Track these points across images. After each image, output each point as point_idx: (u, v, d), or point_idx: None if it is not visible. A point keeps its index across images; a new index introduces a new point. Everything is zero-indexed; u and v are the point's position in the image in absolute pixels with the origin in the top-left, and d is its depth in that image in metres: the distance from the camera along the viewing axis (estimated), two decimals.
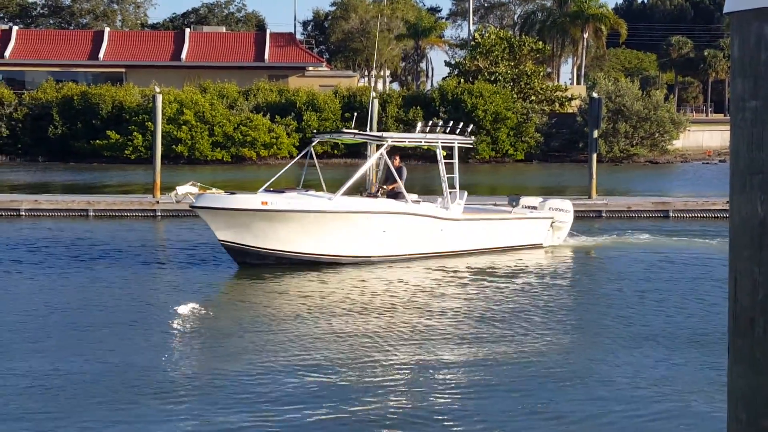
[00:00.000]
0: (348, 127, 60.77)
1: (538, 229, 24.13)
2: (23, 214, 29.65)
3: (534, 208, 24.20)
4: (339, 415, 10.55)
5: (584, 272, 21.50)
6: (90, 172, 50.85)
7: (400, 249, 21.19)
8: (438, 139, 22.91)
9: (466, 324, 15.30)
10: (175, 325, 15.32)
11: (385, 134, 22.46)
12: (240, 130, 58.15)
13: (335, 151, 59.77)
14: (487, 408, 10.96)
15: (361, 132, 24.18)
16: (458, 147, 23.30)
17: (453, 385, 11.93)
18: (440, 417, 10.59)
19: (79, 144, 58.71)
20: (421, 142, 23.14)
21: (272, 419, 10.48)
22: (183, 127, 57.51)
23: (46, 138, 59.44)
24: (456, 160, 22.71)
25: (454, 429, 10.22)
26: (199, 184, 19.99)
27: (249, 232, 19.69)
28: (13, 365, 12.59)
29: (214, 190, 20.17)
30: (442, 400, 11.26)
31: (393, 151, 22.40)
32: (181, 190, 19.55)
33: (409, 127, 60.17)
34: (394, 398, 11.31)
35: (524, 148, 61.81)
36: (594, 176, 32.83)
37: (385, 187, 21.69)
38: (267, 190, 20.74)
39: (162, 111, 37.69)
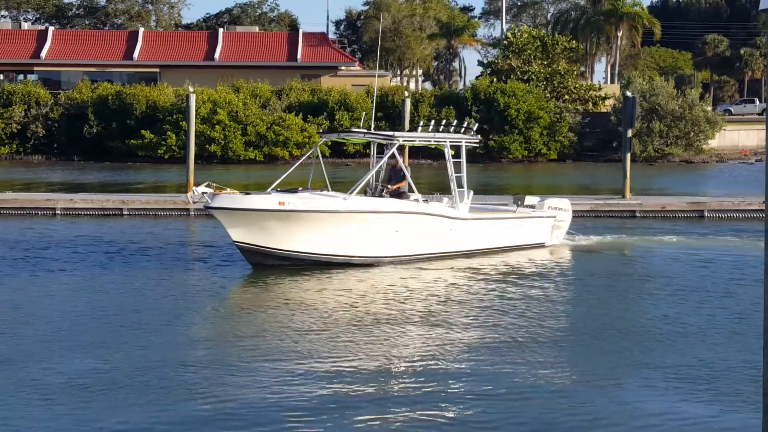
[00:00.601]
0: (380, 127, 60.64)
1: (542, 229, 24.10)
2: (59, 213, 29.92)
3: (533, 207, 24.09)
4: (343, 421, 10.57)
5: (611, 273, 21.32)
6: (124, 172, 51.20)
7: (411, 249, 21.03)
8: (446, 139, 22.78)
9: (506, 330, 15.26)
10: (206, 325, 15.40)
11: (396, 133, 22.29)
12: (273, 130, 58.30)
13: (367, 151, 59.80)
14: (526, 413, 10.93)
15: (371, 131, 24.10)
16: (465, 146, 23.21)
17: (503, 393, 11.91)
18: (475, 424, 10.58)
19: (113, 143, 59.12)
20: (430, 141, 23.04)
21: (307, 420, 10.52)
22: (216, 126, 57.76)
23: (81, 137, 59.90)
24: (464, 159, 22.65)
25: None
26: (214, 184, 19.73)
27: (265, 233, 19.44)
28: (51, 363, 12.73)
29: (228, 190, 19.94)
30: (479, 408, 11.25)
31: (398, 151, 22.17)
32: (198, 190, 19.28)
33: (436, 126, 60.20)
34: (427, 405, 11.31)
35: (557, 147, 61.53)
36: (628, 176, 32.63)
37: (389, 186, 21.43)
38: (277, 190, 20.49)
39: (195, 110, 37.90)
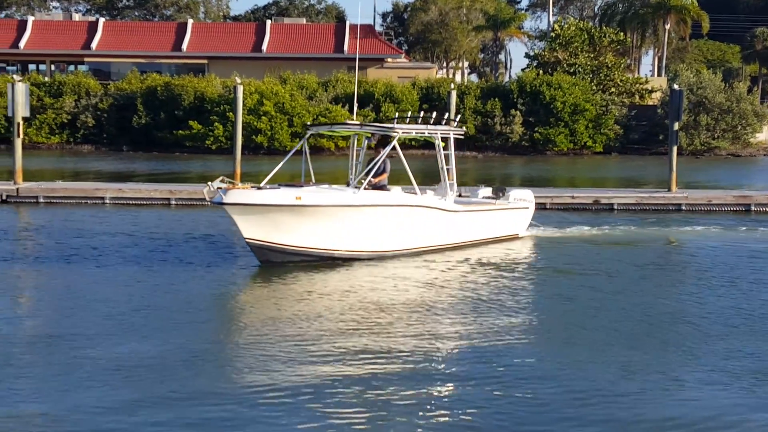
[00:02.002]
0: (426, 119, 60.68)
1: (517, 220, 24.15)
2: (108, 202, 30.42)
3: (495, 198, 23.99)
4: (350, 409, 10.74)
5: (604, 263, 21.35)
6: (172, 162, 51.76)
7: (411, 242, 20.87)
8: (437, 131, 22.61)
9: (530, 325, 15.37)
10: (244, 318, 15.64)
11: (396, 126, 21.71)
12: (319, 121, 58.65)
13: (413, 143, 59.97)
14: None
15: (367, 123, 23.86)
16: (453, 137, 23.01)
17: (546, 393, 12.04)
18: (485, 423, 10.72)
19: (161, 134, 59.77)
20: (425, 132, 22.45)
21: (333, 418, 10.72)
22: (263, 117, 58.19)
23: (130, 128, 60.60)
24: (452, 151, 22.57)
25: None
26: (227, 179, 18.97)
27: (277, 229, 18.91)
28: (99, 352, 13.06)
29: (240, 185, 19.01)
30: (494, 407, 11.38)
31: (380, 144, 21.75)
32: (214, 185, 18.46)
33: (486, 119, 60.15)
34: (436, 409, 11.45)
35: (603, 140, 61.27)
36: (674, 169, 32.52)
37: (372, 179, 20.75)
38: (279, 185, 19.67)
39: (243, 102, 38.26)
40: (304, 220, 18.99)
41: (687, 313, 15.64)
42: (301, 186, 19.84)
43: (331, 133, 24.68)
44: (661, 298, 16.91)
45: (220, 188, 18.29)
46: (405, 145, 46.95)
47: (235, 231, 19.98)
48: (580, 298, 16.84)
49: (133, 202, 30.52)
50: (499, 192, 24.23)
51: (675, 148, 32.97)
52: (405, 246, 20.75)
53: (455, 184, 22.62)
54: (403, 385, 11.45)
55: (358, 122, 23.66)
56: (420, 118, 24.38)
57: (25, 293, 17.37)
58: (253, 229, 18.74)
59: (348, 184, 21.37)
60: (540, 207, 30.25)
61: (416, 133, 22.41)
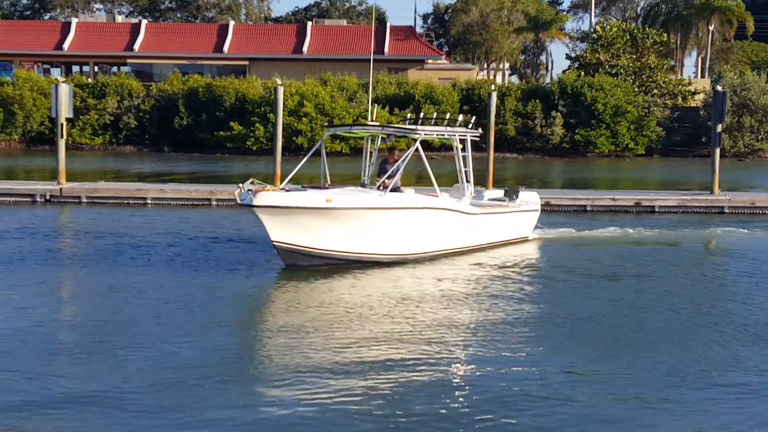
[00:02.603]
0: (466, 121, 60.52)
1: (528, 222, 23.96)
2: (149, 202, 30.65)
3: (502, 200, 23.66)
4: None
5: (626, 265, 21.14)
6: (213, 163, 52.06)
7: (432, 246, 20.62)
8: (456, 132, 22.46)
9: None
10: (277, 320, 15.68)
11: (417, 127, 21.52)
12: (359, 122, 58.66)
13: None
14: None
15: (389, 125, 23.55)
16: (470, 139, 22.83)
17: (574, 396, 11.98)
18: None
19: (203, 135, 60.11)
20: (444, 135, 22.26)
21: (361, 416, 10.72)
22: (303, 119, 58.35)
23: (172, 129, 60.98)
24: (469, 153, 22.41)
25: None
26: (257, 181, 18.63)
27: (306, 232, 18.58)
28: (139, 352, 13.18)
29: (269, 187, 18.69)
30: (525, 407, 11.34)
31: (392, 147, 21.78)
32: (245, 187, 18.12)
33: (527, 120, 59.87)
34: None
35: (645, 142, 60.79)
36: (716, 171, 32.23)
37: (386, 181, 20.53)
38: (303, 187, 19.58)
39: (283, 103, 38.40)
40: (333, 222, 18.68)
41: (734, 315, 15.48)
42: (327, 188, 19.57)
43: (349, 135, 23.81)
44: (705, 301, 16.74)
45: (250, 190, 18.00)
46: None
47: (262, 233, 19.79)
48: (624, 301, 16.71)
49: (174, 202, 30.73)
50: (512, 195, 23.87)
51: (718, 150, 32.66)
52: (427, 249, 20.53)
53: (472, 187, 22.41)
54: (423, 394, 11.43)
55: (378, 123, 23.28)
56: (433, 120, 24.22)
57: (67, 292, 17.54)
58: (281, 232, 18.40)
59: (363, 185, 21.06)
60: (580, 209, 30.16)
61: (437, 135, 22.26)
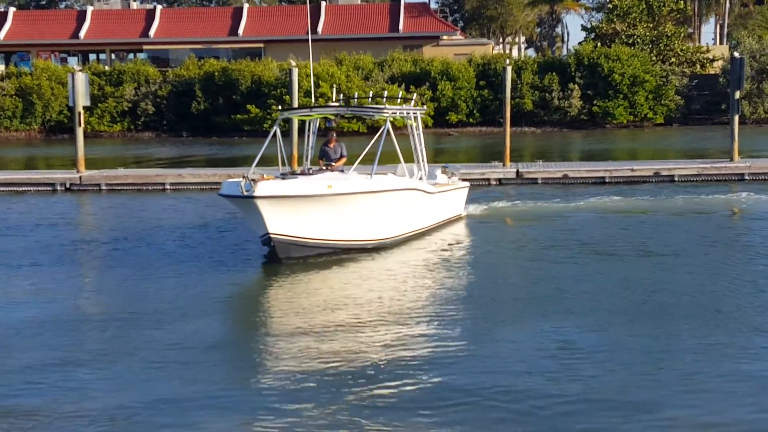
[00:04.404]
0: (483, 96, 60.02)
1: (461, 200, 23.48)
2: (168, 188, 30.77)
3: (449, 178, 22.99)
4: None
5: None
6: (231, 146, 52.15)
7: (405, 228, 20.04)
8: (418, 111, 22.00)
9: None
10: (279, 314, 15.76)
11: (386, 107, 20.82)
12: (375, 101, 58.54)
13: (470, 120, 59.73)
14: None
15: (355, 106, 22.41)
16: (420, 117, 22.41)
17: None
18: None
19: (220, 119, 60.20)
20: (404, 113, 21.42)
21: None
22: (319, 99, 58.29)
23: (189, 114, 61.12)
24: (421, 131, 21.73)
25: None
26: (261, 172, 17.84)
27: (304, 222, 17.53)
28: (154, 333, 13.29)
29: (265, 175, 17.53)
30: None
31: (329, 129, 21.12)
32: (249, 176, 17.04)
33: (544, 93, 59.62)
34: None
35: (664, 111, 60.38)
36: (736, 138, 32.01)
37: (333, 164, 20.09)
38: (282, 175, 18.48)
39: (299, 84, 38.42)
40: (330, 210, 17.80)
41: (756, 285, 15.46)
42: (310, 173, 18.90)
43: (304, 118, 21.73)
44: (724, 272, 16.73)
45: (253, 180, 16.83)
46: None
47: (248, 227, 19.00)
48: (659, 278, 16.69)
49: (193, 187, 30.83)
50: (452, 172, 23.33)
51: (737, 117, 32.43)
52: (400, 232, 19.84)
53: (426, 165, 21.82)
54: (414, 376, 11.49)
55: (343, 106, 22.36)
56: (370, 98, 23.38)
57: (89, 278, 17.67)
58: (281, 224, 17.24)
59: (310, 171, 19.35)
60: (599, 181, 30.06)
61: (399, 114, 21.35)
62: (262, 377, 11.24)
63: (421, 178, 21.15)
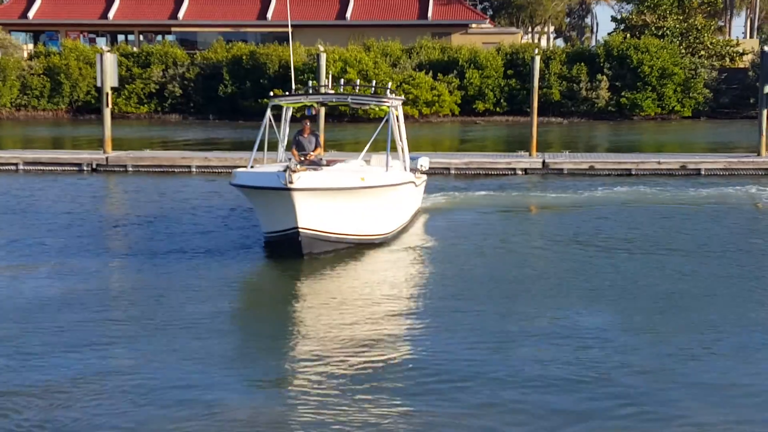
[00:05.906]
0: (510, 85, 59.65)
1: (421, 192, 23.00)
2: (194, 170, 30.89)
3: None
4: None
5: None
6: (257, 130, 51.95)
7: (401, 221, 19.74)
8: (401, 100, 21.69)
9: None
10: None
11: (388, 96, 20.55)
12: (402, 88, 58.49)
13: (497, 109, 59.53)
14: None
15: (357, 95, 21.96)
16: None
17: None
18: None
19: (247, 103, 60.27)
20: (392, 102, 20.68)
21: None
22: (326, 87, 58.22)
23: (216, 97, 61.23)
24: (402, 121, 21.28)
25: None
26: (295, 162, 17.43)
27: (332, 216, 16.77)
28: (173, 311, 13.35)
29: (299, 167, 16.57)
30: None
31: (308, 118, 20.93)
32: (292, 166, 16.14)
33: (572, 84, 59.33)
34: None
35: (692, 104, 59.99)
36: (764, 132, 31.80)
37: (312, 154, 19.88)
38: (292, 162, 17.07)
39: (326, 70, 38.42)
40: (356, 204, 17.19)
41: None
42: (328, 164, 18.66)
43: (296, 104, 21.80)
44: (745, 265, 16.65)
45: (294, 171, 15.92)
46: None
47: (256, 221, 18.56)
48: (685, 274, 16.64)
49: (219, 170, 30.92)
50: (421, 164, 22.70)
51: (765, 112, 32.19)
52: (397, 226, 19.48)
53: (408, 155, 21.48)
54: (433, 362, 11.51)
55: (346, 93, 22.03)
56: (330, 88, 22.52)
57: (114, 258, 17.79)
58: (312, 219, 16.41)
59: (290, 160, 17.92)
60: (625, 173, 29.95)
61: (387, 104, 20.68)
62: (279, 359, 11.32)
63: (405, 169, 20.93)
